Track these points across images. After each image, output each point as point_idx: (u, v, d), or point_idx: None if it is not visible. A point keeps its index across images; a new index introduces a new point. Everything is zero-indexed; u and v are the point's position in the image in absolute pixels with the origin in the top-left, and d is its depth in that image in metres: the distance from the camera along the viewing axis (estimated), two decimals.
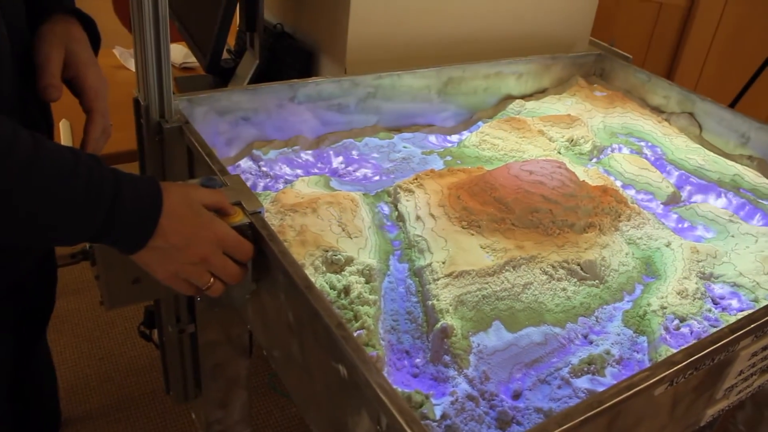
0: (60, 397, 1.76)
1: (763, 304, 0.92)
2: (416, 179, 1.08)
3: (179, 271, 0.73)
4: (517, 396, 0.77)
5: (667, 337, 0.87)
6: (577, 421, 0.59)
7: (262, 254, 0.79)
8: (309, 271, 0.85)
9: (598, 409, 0.61)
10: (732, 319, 0.88)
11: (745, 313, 0.91)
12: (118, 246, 0.70)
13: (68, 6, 0.95)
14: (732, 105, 2.33)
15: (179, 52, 1.89)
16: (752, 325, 0.76)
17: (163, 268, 0.73)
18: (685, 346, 0.73)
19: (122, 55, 1.88)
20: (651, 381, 0.66)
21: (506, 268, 0.90)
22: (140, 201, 0.69)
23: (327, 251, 0.88)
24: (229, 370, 1.26)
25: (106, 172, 0.67)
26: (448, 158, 1.27)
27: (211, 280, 0.76)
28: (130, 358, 1.94)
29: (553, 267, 0.93)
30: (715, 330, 0.79)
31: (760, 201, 1.23)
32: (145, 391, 1.83)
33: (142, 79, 0.98)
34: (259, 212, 0.80)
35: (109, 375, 1.88)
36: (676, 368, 0.68)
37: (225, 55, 1.78)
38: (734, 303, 0.95)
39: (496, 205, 0.98)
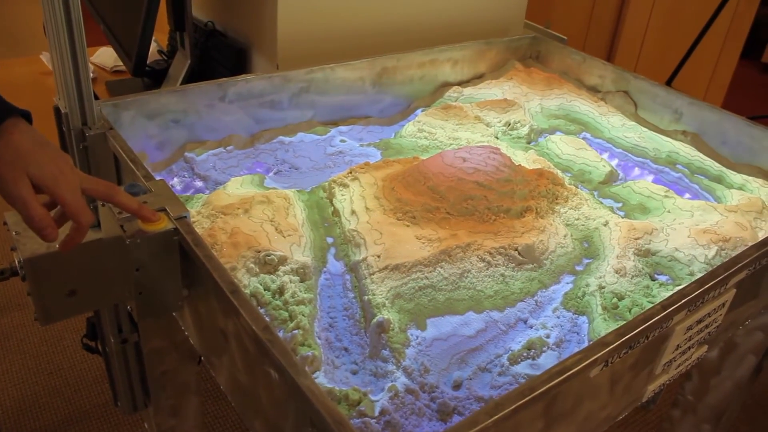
0: (6, 418, 1.71)
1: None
2: (351, 173, 1.06)
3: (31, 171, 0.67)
4: (457, 386, 0.77)
5: (606, 316, 0.87)
6: (509, 409, 0.58)
7: (190, 260, 0.77)
8: (241, 273, 0.83)
9: (530, 396, 0.60)
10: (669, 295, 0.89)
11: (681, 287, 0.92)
12: None
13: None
14: (669, 81, 2.37)
15: (110, 56, 1.84)
16: (683, 300, 0.76)
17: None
18: (618, 325, 0.73)
19: (50, 61, 1.83)
20: (584, 363, 0.66)
21: (442, 257, 0.89)
22: None
23: (259, 252, 0.86)
24: (178, 376, 1.23)
25: None
26: (386, 150, 1.25)
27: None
28: (79, 371, 1.89)
29: (490, 254, 0.92)
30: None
31: (695, 175, 1.25)
32: (97, 403, 1.79)
33: (61, 85, 0.95)
34: (185, 217, 0.78)
35: (59, 390, 1.83)
36: (609, 349, 0.68)
37: (158, 56, 1.74)
38: (672, 278, 0.96)
39: (430, 194, 0.98)
